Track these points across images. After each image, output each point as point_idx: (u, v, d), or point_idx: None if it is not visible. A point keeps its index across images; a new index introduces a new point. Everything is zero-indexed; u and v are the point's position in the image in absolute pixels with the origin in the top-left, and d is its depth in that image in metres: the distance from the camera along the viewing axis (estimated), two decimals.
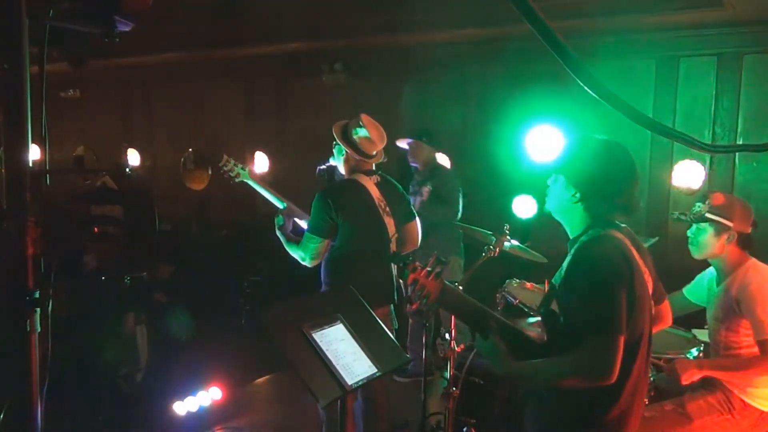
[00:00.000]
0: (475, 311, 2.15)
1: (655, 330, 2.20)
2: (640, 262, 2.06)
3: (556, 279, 2.12)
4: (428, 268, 2.10)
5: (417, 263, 2.14)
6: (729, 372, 2.80)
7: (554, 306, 2.08)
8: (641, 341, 1.99)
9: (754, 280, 2.77)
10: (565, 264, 2.09)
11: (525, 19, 1.30)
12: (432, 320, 3.60)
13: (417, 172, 5.14)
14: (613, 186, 2.04)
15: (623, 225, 2.13)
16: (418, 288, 2.11)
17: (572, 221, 2.13)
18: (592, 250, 1.99)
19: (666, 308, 2.32)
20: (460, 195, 5.03)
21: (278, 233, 3.48)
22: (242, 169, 3.78)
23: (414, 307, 2.18)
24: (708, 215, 2.85)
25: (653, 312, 2.15)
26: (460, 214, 5.03)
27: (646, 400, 3.05)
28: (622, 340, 1.87)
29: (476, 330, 2.13)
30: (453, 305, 2.20)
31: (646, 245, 2.25)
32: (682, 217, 2.97)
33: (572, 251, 2.08)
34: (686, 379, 2.74)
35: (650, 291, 2.10)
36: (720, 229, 2.83)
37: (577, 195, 2.07)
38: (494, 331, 2.06)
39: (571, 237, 2.15)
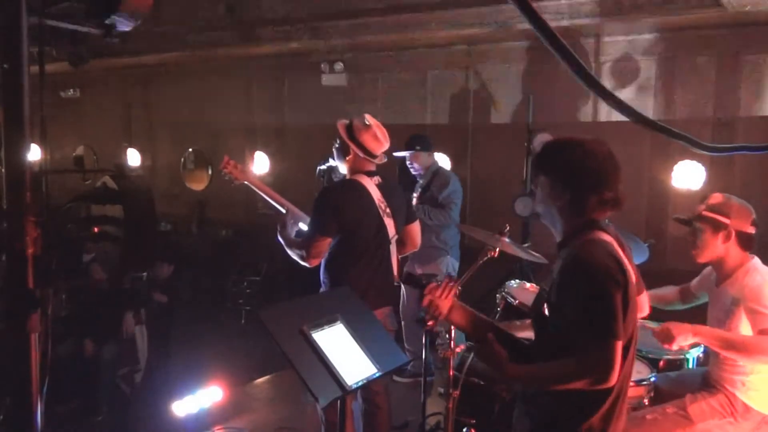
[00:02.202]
0: (478, 323, 2.22)
1: None
2: (627, 262, 2.05)
3: (547, 282, 2.12)
4: (441, 290, 2.18)
5: (432, 284, 2.21)
6: (727, 343, 2.71)
7: (545, 309, 2.09)
8: (631, 342, 2.01)
9: (754, 280, 2.76)
10: (556, 268, 2.07)
11: (526, 19, 1.30)
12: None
13: (420, 177, 5.13)
14: (597, 186, 2.02)
15: (608, 223, 2.13)
16: (433, 307, 2.18)
17: (559, 223, 2.11)
18: (586, 256, 1.97)
19: (642, 299, 2.35)
20: (459, 199, 5.03)
21: (280, 238, 3.48)
22: (243, 170, 3.78)
23: (430, 325, 2.26)
24: (704, 213, 2.85)
25: None
26: (457, 219, 5.04)
27: (646, 400, 3.06)
28: (620, 345, 1.89)
29: (476, 339, 2.16)
30: (460, 320, 2.24)
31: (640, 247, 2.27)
32: (681, 219, 2.98)
33: (563, 256, 2.06)
34: (679, 342, 2.69)
35: None
36: (717, 227, 2.81)
37: (562, 195, 2.05)
38: (492, 338, 2.07)
39: (558, 240, 2.13)
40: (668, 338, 2.72)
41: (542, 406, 2.10)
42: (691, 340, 2.71)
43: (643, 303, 2.37)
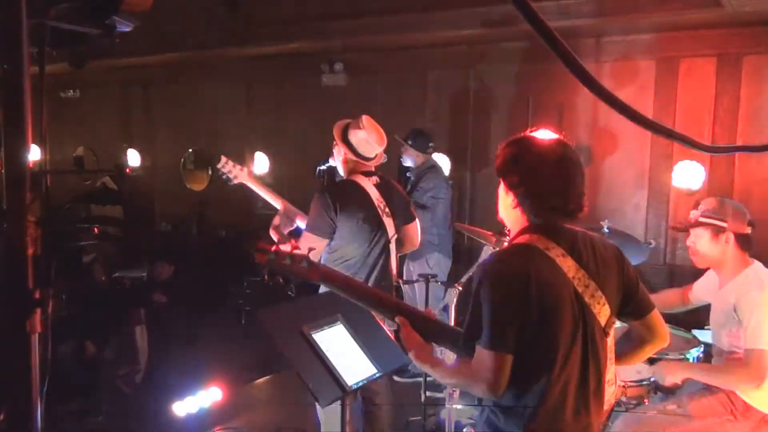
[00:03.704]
0: (368, 295, 2.13)
1: (651, 351, 2.11)
2: (577, 276, 1.84)
3: None
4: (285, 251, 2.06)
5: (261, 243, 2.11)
6: (711, 376, 2.88)
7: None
8: (558, 362, 1.80)
9: (749, 289, 2.77)
10: None
11: (525, 19, 1.30)
12: None
13: (411, 173, 5.19)
14: (544, 188, 1.88)
15: (606, 229, 2.07)
16: (281, 256, 2.06)
17: (513, 227, 1.99)
18: (493, 261, 1.89)
19: (655, 320, 2.05)
20: (444, 201, 5.05)
21: (272, 233, 3.48)
22: (240, 170, 3.77)
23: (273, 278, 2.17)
24: (701, 219, 2.87)
25: (639, 327, 2.04)
26: (440, 220, 5.05)
27: (646, 400, 3.07)
28: (508, 358, 1.76)
29: (386, 317, 2.11)
30: (331, 283, 2.14)
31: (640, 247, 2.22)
32: (679, 227, 3.01)
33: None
34: (670, 381, 2.85)
35: (605, 309, 1.88)
36: (716, 230, 2.84)
37: (512, 199, 1.93)
38: (403, 322, 1.99)
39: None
40: (660, 378, 2.90)
41: (486, 411, 1.97)
42: (681, 378, 2.86)
43: (659, 325, 2.09)
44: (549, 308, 1.79)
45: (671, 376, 2.83)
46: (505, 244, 3.47)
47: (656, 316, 2.04)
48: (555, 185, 1.88)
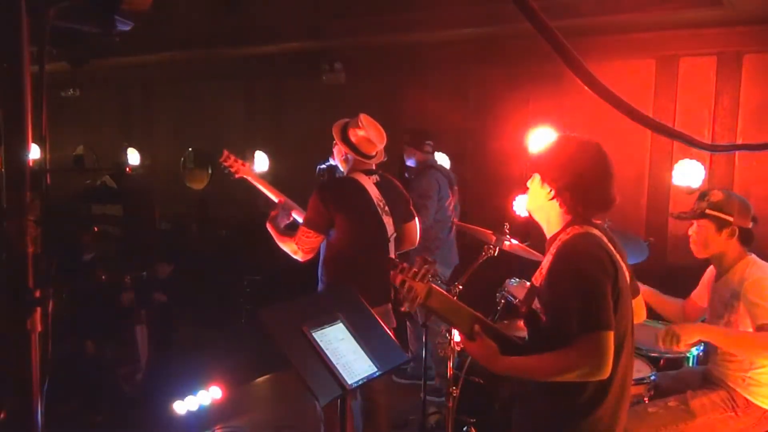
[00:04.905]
0: (461, 313, 2.14)
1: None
2: (618, 257, 2.07)
3: (537, 278, 2.12)
4: (415, 269, 2.10)
5: (404, 264, 2.14)
6: (731, 339, 2.76)
7: (536, 305, 2.08)
8: (626, 336, 2.02)
9: (754, 274, 2.79)
10: (545, 263, 2.08)
11: (526, 18, 1.30)
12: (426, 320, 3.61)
13: (410, 172, 5.15)
14: (585, 181, 2.04)
15: (601, 223, 2.14)
16: (406, 289, 2.11)
17: (549, 219, 2.14)
18: (576, 248, 2.00)
19: (639, 303, 2.31)
20: (431, 200, 4.84)
21: (268, 225, 3.48)
22: (242, 165, 3.80)
23: (404, 308, 2.21)
24: (708, 211, 2.86)
25: None
26: (438, 224, 4.93)
27: (646, 399, 3.07)
28: (612, 335, 1.89)
29: (463, 332, 2.13)
30: (440, 307, 2.16)
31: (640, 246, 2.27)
32: (683, 216, 2.98)
33: (552, 250, 2.07)
34: (685, 342, 2.68)
35: None
36: (721, 224, 2.84)
37: (552, 192, 2.07)
38: (480, 331, 2.06)
39: (548, 236, 2.15)
40: (674, 340, 2.70)
41: (541, 405, 2.08)
42: (696, 339, 2.73)
43: (639, 307, 2.30)
44: (624, 289, 2.00)
45: (687, 337, 2.68)
46: (506, 243, 3.48)
47: (639, 301, 2.30)
48: (596, 181, 2.05)
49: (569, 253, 1.99)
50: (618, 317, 1.94)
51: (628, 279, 2.12)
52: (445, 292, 2.18)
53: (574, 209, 2.06)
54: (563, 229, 2.08)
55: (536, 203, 2.15)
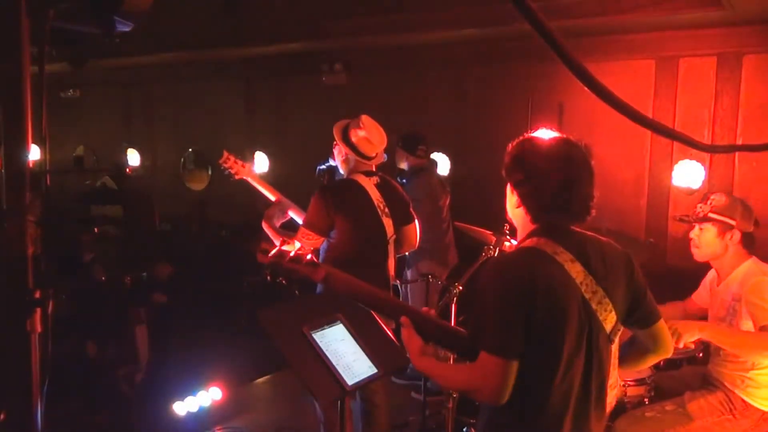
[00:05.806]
0: (382, 302, 2.07)
1: (653, 361, 2.08)
2: (585, 282, 1.79)
3: None
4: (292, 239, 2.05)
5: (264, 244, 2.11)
6: (734, 338, 2.74)
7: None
8: (562, 365, 1.75)
9: (755, 276, 2.79)
10: None
11: (525, 18, 1.30)
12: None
13: (402, 176, 5.14)
14: (544, 184, 1.83)
15: (592, 234, 1.93)
16: (279, 255, 2.03)
17: (519, 228, 1.95)
18: (499, 265, 1.89)
19: (662, 330, 1.98)
20: (426, 205, 4.82)
21: (264, 224, 3.48)
22: (242, 166, 3.80)
23: (282, 281, 2.14)
24: (711, 215, 2.86)
25: (644, 337, 1.98)
26: (432, 227, 4.89)
27: (646, 399, 3.07)
28: (513, 365, 1.70)
29: (391, 318, 2.06)
30: (342, 288, 2.07)
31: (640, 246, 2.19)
32: (686, 219, 2.98)
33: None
34: (686, 339, 2.64)
35: (611, 317, 1.83)
36: (723, 228, 2.84)
37: (516, 198, 1.89)
38: (406, 323, 1.95)
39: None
40: (675, 336, 2.65)
41: (485, 413, 1.94)
42: (697, 337, 2.68)
43: (664, 334, 2.01)
44: (555, 314, 1.74)
45: (688, 335, 2.63)
46: (506, 243, 3.48)
47: (662, 327, 1.98)
48: (557, 184, 1.82)
49: (490, 269, 1.85)
50: (540, 346, 1.73)
51: (611, 305, 1.83)
52: (345, 274, 2.06)
53: (538, 217, 1.87)
54: (522, 240, 1.91)
55: (510, 211, 1.98)
